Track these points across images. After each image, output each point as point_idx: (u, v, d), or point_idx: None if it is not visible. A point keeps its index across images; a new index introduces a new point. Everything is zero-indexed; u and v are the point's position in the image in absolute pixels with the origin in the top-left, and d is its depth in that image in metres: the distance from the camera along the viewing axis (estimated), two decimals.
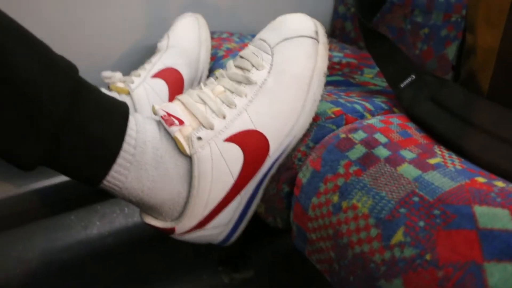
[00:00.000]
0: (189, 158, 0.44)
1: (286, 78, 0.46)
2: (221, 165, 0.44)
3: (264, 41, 0.49)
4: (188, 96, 0.46)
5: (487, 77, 0.44)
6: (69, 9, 0.68)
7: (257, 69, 0.47)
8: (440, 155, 0.42)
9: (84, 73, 0.64)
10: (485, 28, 0.44)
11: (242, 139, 0.44)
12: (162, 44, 0.67)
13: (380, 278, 0.35)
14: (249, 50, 0.49)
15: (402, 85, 0.51)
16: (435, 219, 0.34)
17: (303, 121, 0.48)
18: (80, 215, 0.80)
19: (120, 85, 0.59)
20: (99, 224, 0.79)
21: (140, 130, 0.43)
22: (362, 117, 0.50)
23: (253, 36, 0.84)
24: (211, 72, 0.68)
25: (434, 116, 0.46)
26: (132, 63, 0.72)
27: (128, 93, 0.58)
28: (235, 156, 0.44)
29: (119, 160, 0.42)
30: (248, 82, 0.46)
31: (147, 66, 0.63)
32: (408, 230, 0.35)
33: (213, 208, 0.46)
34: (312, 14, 0.92)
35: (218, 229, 0.49)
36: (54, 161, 0.41)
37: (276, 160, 0.48)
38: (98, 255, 0.74)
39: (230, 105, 0.45)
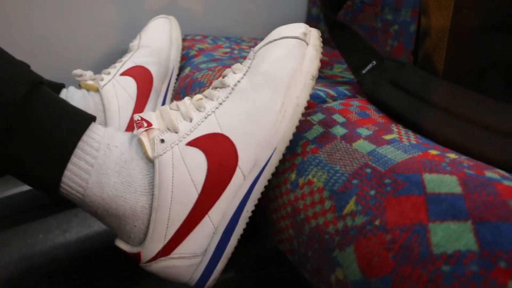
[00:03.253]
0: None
1: (259, 77, 0.42)
2: (183, 172, 0.40)
3: (252, 49, 0.46)
4: (167, 106, 0.44)
5: (441, 56, 0.45)
6: (45, 14, 0.69)
7: (234, 72, 0.44)
8: (397, 132, 0.42)
9: (59, 77, 0.65)
10: (436, 10, 0.45)
11: (205, 143, 0.41)
12: (133, 44, 0.68)
13: (334, 249, 0.36)
14: (239, 62, 0.46)
15: (363, 71, 0.52)
16: (386, 187, 0.35)
17: (285, 129, 0.42)
18: (59, 219, 0.80)
19: (90, 82, 0.60)
20: (78, 228, 0.79)
21: (107, 135, 0.42)
22: (324, 102, 0.51)
23: (227, 38, 0.85)
24: (181, 70, 0.69)
25: (393, 98, 0.47)
26: (106, 65, 0.73)
27: (97, 90, 0.59)
28: (198, 162, 0.40)
29: (80, 163, 0.39)
30: (222, 85, 0.43)
31: (117, 64, 0.64)
32: (360, 199, 0.35)
33: (177, 229, 0.41)
34: (285, 16, 0.95)
35: (188, 261, 0.43)
36: (8, 157, 0.38)
37: (256, 180, 0.42)
38: (77, 259, 0.73)
39: (200, 108, 0.42)
